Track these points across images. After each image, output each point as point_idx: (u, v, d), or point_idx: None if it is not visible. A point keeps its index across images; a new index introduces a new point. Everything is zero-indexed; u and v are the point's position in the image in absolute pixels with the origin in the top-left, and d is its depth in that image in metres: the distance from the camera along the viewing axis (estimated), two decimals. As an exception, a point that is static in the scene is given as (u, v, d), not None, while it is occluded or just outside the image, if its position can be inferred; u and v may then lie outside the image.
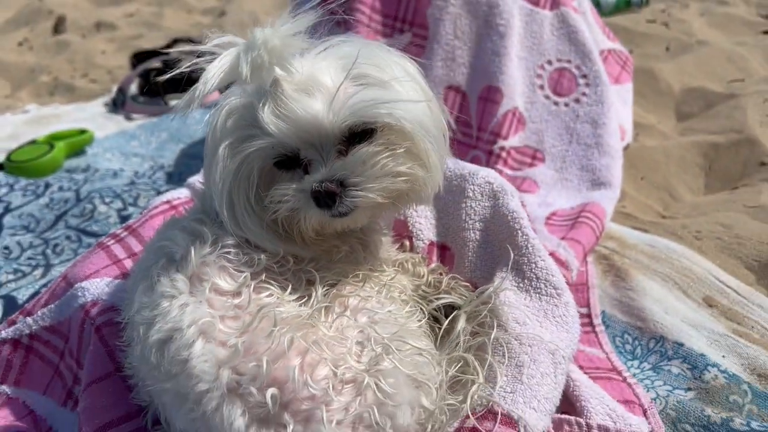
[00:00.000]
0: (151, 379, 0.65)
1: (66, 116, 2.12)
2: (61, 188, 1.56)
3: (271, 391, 0.59)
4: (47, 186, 1.59)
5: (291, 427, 0.59)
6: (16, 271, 1.25)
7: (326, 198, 0.64)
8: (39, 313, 0.87)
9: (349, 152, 0.66)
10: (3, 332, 0.87)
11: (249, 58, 0.63)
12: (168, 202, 0.94)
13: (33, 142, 1.79)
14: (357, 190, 0.65)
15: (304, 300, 0.68)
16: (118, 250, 0.87)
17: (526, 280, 0.81)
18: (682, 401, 0.85)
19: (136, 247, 0.88)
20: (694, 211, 1.39)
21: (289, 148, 0.66)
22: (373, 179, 0.65)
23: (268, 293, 0.66)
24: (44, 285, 1.18)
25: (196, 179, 0.99)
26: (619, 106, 1.51)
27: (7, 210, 1.50)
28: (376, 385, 0.62)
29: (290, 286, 0.68)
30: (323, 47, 0.69)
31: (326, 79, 0.65)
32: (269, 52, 0.63)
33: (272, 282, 0.68)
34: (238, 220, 0.68)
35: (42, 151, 1.71)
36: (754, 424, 0.79)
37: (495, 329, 0.74)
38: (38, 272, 1.25)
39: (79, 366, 0.81)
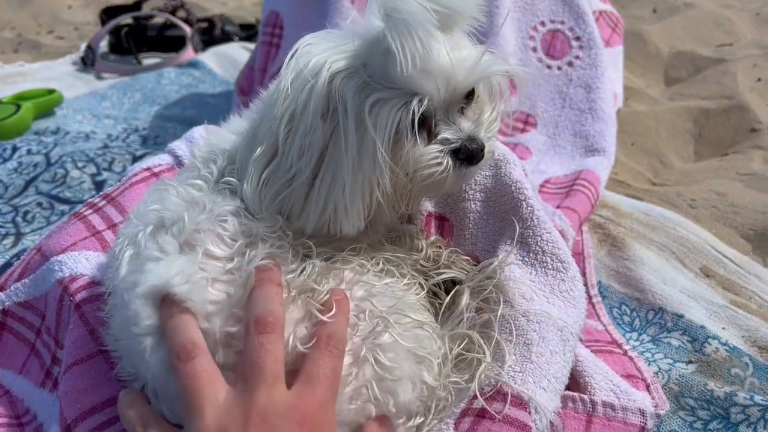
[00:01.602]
0: (135, 343, 0.60)
1: (32, 75, 2.02)
2: (29, 151, 1.48)
3: None
4: (15, 149, 1.50)
5: None
6: (-16, 240, 1.18)
7: (473, 156, 0.66)
8: (12, 287, 0.81)
9: (465, 112, 0.68)
10: (-26, 308, 0.82)
11: None
12: (149, 169, 0.88)
13: (-2, 103, 1.70)
14: (486, 150, 0.67)
15: (299, 274, 0.64)
16: (97, 221, 0.82)
17: (531, 254, 0.78)
18: (685, 375, 0.83)
19: (116, 217, 0.82)
20: (686, 178, 1.37)
21: (426, 106, 0.62)
22: (492, 138, 0.69)
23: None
24: (15, 255, 1.12)
25: (179, 145, 0.93)
26: (611, 70, 1.48)
27: (-27, 175, 1.42)
28: (375, 359, 0.59)
29: (288, 260, 0.64)
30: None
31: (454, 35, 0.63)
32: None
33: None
34: (329, 199, 0.64)
35: (8, 112, 1.62)
36: (758, 398, 0.78)
37: (501, 305, 0.70)
38: (8, 241, 1.18)
39: (57, 345, 0.76)
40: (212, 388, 0.54)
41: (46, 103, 1.73)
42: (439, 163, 0.65)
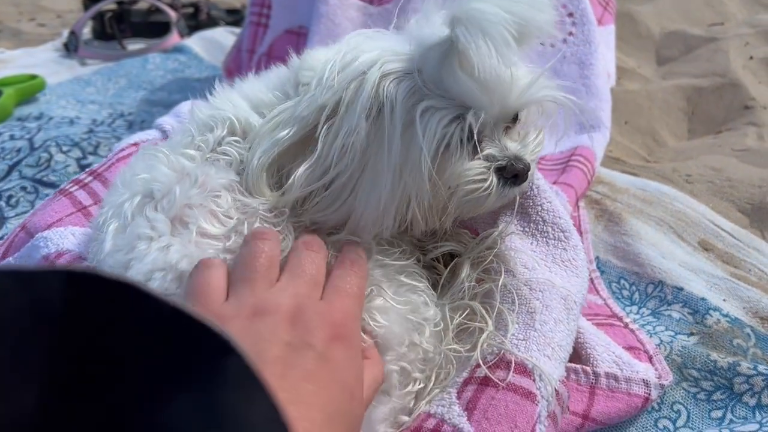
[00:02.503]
0: None
1: (14, 61, 1.97)
2: (12, 137, 1.44)
3: None
4: (-3, 135, 1.47)
5: None
6: (-33, 225, 1.15)
7: (518, 176, 0.64)
8: (-4, 267, 0.78)
9: (510, 132, 0.66)
10: (-44, 289, 0.79)
11: None
12: (136, 144, 0.85)
13: (-22, 89, 1.66)
14: (531, 172, 0.67)
15: None
16: (83, 196, 0.79)
17: (532, 224, 0.76)
18: (687, 346, 0.82)
19: (103, 192, 0.80)
20: (680, 155, 1.36)
21: (477, 121, 0.60)
22: (535, 161, 0.68)
23: None
24: (0, 238, 1.09)
25: (166, 119, 0.90)
26: (603, 48, 1.46)
27: (-46, 161, 1.38)
28: (370, 317, 0.58)
29: (283, 238, 0.62)
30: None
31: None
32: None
33: None
34: (360, 204, 0.61)
35: (-11, 98, 1.59)
36: (761, 368, 0.76)
37: (503, 275, 0.69)
38: (-8, 225, 1.15)
39: (44, 324, 0.74)
40: (270, 272, 0.54)
41: (29, 88, 1.69)
42: (484, 179, 0.63)
